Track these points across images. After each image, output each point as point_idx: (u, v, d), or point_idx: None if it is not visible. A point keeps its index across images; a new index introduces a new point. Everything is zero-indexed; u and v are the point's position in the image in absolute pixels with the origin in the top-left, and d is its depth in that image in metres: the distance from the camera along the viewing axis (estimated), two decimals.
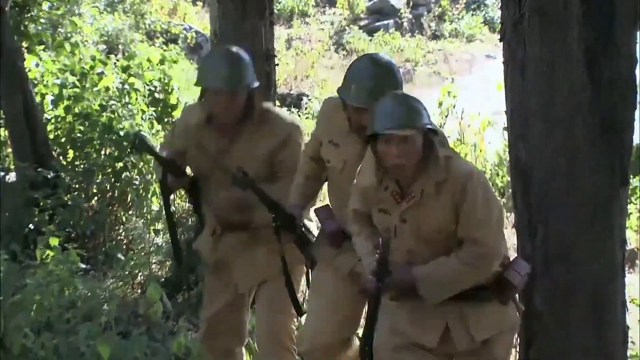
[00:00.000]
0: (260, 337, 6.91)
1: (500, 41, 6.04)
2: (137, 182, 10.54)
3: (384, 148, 5.21)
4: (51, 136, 10.92)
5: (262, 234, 6.62)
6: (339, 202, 6.17)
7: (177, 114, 11.75)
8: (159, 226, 10.05)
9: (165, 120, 11.66)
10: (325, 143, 6.26)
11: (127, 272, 9.22)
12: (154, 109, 11.55)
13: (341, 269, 6.26)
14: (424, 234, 5.35)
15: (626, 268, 6.11)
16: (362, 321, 6.16)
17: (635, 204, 10.99)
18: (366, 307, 5.72)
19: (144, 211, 10.23)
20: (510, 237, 6.58)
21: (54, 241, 8.29)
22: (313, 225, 6.77)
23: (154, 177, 10.51)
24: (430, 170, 5.27)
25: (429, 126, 5.24)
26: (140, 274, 9.16)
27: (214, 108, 6.43)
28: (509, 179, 7.96)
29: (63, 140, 10.99)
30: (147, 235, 9.47)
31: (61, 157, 10.90)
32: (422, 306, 5.46)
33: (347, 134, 6.06)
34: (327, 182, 6.49)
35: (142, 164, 10.57)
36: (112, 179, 10.61)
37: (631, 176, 6.71)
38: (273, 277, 6.67)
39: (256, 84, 6.47)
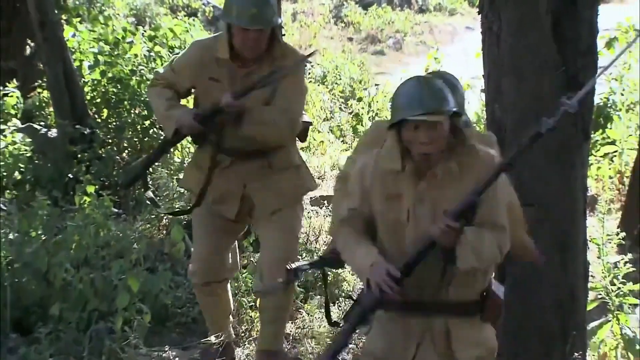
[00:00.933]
0: (271, 261, 6.32)
1: (478, 14, 6.03)
2: (162, 137, 10.51)
3: (410, 136, 4.37)
4: (88, 97, 10.90)
5: (275, 162, 6.38)
6: None
7: None
8: (181, 175, 10.04)
9: None
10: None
11: (153, 216, 9.21)
12: None
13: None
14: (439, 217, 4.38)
15: (587, 212, 6.08)
16: None
17: (595, 155, 10.97)
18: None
19: (168, 162, 10.21)
20: None
21: (91, 189, 8.27)
22: None
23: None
24: (455, 152, 4.47)
25: (454, 109, 4.43)
26: (165, 217, 9.13)
27: (242, 44, 6.03)
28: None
29: (98, 100, 11.00)
30: (171, 183, 9.43)
31: (96, 116, 10.89)
32: (398, 325, 4.70)
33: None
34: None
35: None
36: (141, 135, 10.60)
37: (592, 132, 6.66)
38: (289, 203, 6.47)
39: (280, 21, 6.19)
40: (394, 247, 4.54)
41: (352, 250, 4.61)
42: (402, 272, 4.40)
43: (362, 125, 13.40)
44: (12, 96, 11.00)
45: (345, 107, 14.89)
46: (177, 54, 10.90)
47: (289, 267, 5.23)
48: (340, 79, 16.56)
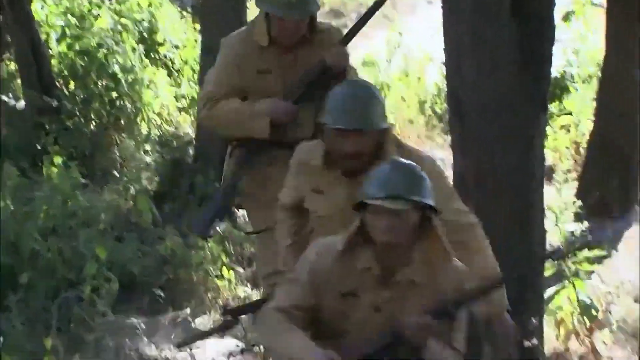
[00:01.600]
0: None
1: None
2: (129, 109, 10.50)
3: (371, 219, 3.79)
4: (55, 69, 10.83)
5: None
6: None
7: (163, 50, 11.72)
8: (148, 147, 10.04)
9: (152, 56, 11.58)
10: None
11: (120, 187, 9.20)
12: (143, 46, 11.46)
13: None
14: (393, 327, 3.88)
15: (545, 181, 6.14)
16: None
17: (552, 127, 11.04)
18: None
19: (135, 134, 10.20)
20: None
21: (58, 160, 8.28)
22: None
23: (143, 103, 10.55)
24: (422, 249, 3.90)
25: (428, 202, 3.81)
26: (132, 187, 9.12)
27: (280, 32, 5.46)
28: (446, 106, 7.98)
29: (65, 73, 10.91)
30: (137, 154, 9.44)
31: (64, 88, 10.82)
32: None
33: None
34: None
35: (133, 93, 10.55)
36: (108, 107, 10.55)
37: (549, 103, 6.70)
38: None
39: (318, 5, 5.54)
40: (328, 338, 3.92)
41: (287, 339, 3.85)
42: None
43: None
44: None
45: None
46: (144, 27, 10.95)
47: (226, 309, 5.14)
48: None
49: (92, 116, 10.51)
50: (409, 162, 3.96)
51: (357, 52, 14.97)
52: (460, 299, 3.91)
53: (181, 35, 12.26)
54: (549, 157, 10.39)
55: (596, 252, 6.66)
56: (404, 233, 3.78)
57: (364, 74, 12.22)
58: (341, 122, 4.20)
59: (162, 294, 7.56)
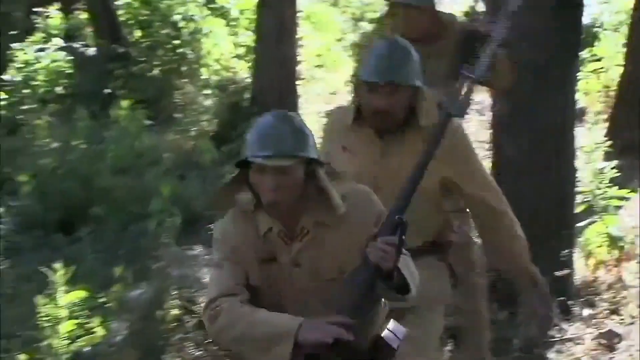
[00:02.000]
0: None
1: None
2: (190, 56, 10.53)
3: (256, 178, 3.31)
4: (122, 19, 10.88)
5: None
6: None
7: (221, 1, 11.68)
8: (207, 91, 10.06)
9: (212, 6, 11.54)
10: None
11: (182, 128, 9.25)
12: None
13: None
14: (321, 278, 3.41)
15: (577, 123, 6.10)
16: None
17: (584, 72, 10.93)
18: None
19: (196, 79, 10.23)
20: None
21: (125, 103, 8.31)
22: None
23: (203, 51, 10.56)
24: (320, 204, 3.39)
25: (314, 156, 3.34)
26: (193, 129, 9.17)
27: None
28: None
29: (132, 22, 10.96)
30: (198, 98, 9.47)
31: (130, 36, 10.88)
32: None
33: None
34: None
35: (194, 41, 10.58)
36: (171, 54, 10.57)
37: (581, 50, 6.64)
38: None
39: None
40: (272, 309, 3.42)
41: (258, 319, 3.33)
42: (353, 317, 3.34)
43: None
44: (54, 17, 10.99)
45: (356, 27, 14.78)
46: None
47: None
48: (351, 2, 16.40)
49: (157, 62, 10.56)
50: (290, 113, 3.46)
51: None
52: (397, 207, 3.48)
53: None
54: (581, 100, 10.31)
55: (624, 190, 6.64)
56: (290, 190, 3.31)
57: None
58: (372, 76, 3.85)
59: None
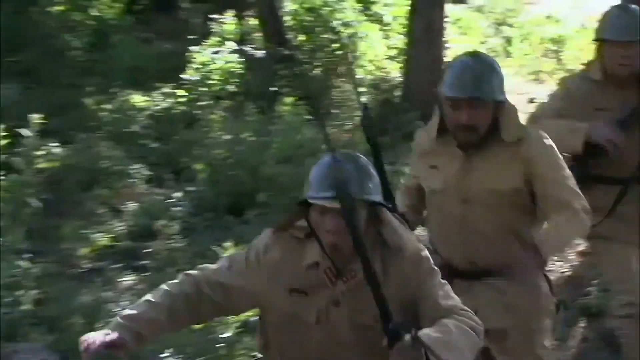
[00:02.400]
0: None
1: None
2: (347, 58, 10.60)
3: (317, 219, 3.01)
4: (288, 24, 11.04)
5: None
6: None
7: (376, 8, 11.73)
8: (362, 89, 10.14)
9: (367, 13, 11.61)
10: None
11: (339, 122, 9.33)
12: (360, 4, 11.53)
13: None
14: (359, 323, 3.06)
15: None
16: None
17: None
18: None
19: (352, 79, 10.32)
20: None
21: (289, 100, 8.44)
22: None
23: (359, 53, 10.65)
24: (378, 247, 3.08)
25: (375, 199, 3.04)
26: (348, 123, 9.25)
27: (615, 63, 4.39)
28: None
29: (296, 27, 11.10)
30: (353, 95, 9.57)
31: (295, 40, 11.02)
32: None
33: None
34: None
35: (351, 44, 10.65)
36: (330, 56, 10.69)
37: None
38: None
39: None
40: (293, 350, 3.17)
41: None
42: None
43: (511, 46, 13.00)
44: (229, 24, 11.22)
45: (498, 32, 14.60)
46: None
47: None
48: (494, 8, 16.19)
49: (317, 64, 10.73)
50: (355, 154, 3.15)
51: (539, 9, 14.67)
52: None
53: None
54: None
55: None
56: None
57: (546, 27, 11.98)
58: (455, 91, 3.55)
59: None
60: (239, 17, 11.60)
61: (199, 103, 9.46)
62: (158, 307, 3.10)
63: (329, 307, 3.07)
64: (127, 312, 3.10)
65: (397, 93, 9.97)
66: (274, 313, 3.16)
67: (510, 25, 14.16)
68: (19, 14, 11.17)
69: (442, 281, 3.13)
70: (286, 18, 11.16)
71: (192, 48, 10.35)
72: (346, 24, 10.74)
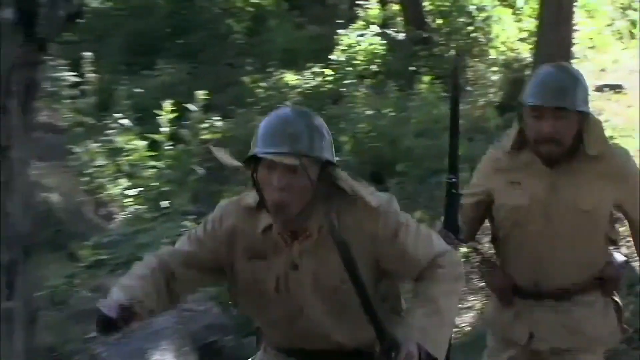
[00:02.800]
0: None
1: None
2: (481, 40, 10.57)
3: (264, 176, 2.59)
4: (427, 9, 11.04)
5: None
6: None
7: None
8: (494, 69, 10.07)
9: None
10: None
11: (472, 99, 9.31)
12: None
13: (516, 338, 3.32)
14: (323, 285, 2.67)
15: None
16: None
17: None
18: None
19: (485, 59, 10.28)
20: None
21: (426, 78, 8.49)
22: None
23: (492, 35, 10.57)
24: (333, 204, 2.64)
25: (329, 158, 2.63)
26: (481, 100, 9.19)
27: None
28: None
29: (435, 12, 11.10)
30: (486, 74, 9.54)
31: (432, 23, 11.02)
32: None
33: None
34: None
35: (485, 27, 10.60)
36: (465, 38, 10.67)
37: None
38: None
39: None
40: (261, 316, 2.83)
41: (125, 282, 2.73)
42: None
43: (635, 28, 12.63)
44: (373, 9, 11.27)
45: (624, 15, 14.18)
46: None
47: None
48: None
49: (453, 45, 10.70)
50: (308, 111, 2.80)
51: None
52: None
53: None
54: None
55: None
56: (298, 192, 2.56)
57: None
58: (539, 100, 3.12)
59: None
60: (383, 3, 11.67)
61: (344, 81, 9.56)
62: (147, 288, 2.67)
63: (287, 272, 2.67)
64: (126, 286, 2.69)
65: (528, 72, 9.85)
66: (238, 281, 2.75)
67: (635, 9, 13.74)
68: (185, 1, 11.54)
69: (415, 227, 2.69)
70: (425, 3, 11.16)
71: (339, 31, 10.47)
72: (480, 8, 10.68)
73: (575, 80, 3.19)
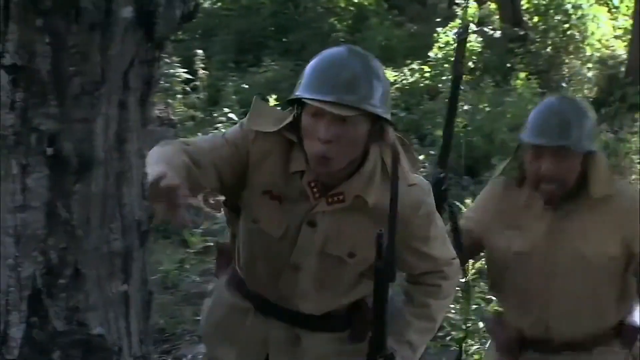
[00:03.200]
0: None
1: None
2: (577, 37, 10.39)
3: (309, 123, 2.19)
4: (524, 7, 10.91)
5: None
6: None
7: None
8: (589, 65, 9.89)
9: None
10: None
11: (568, 94, 9.15)
12: None
13: None
14: (328, 253, 2.36)
15: None
16: None
17: None
18: None
19: (580, 55, 10.09)
20: None
21: (522, 75, 8.38)
22: None
23: (588, 33, 10.36)
24: (374, 176, 2.32)
25: (380, 111, 2.21)
26: (577, 96, 9.03)
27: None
28: None
29: (531, 10, 10.96)
30: (581, 70, 9.37)
31: (529, 21, 10.87)
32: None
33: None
34: None
35: (581, 25, 10.40)
36: (561, 35, 10.48)
37: None
38: None
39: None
40: (250, 263, 2.45)
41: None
42: None
43: None
44: (471, 7, 11.20)
45: None
46: None
47: None
48: None
49: (549, 42, 10.50)
50: (365, 53, 2.33)
51: None
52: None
53: None
54: None
55: None
56: (345, 146, 2.20)
57: None
58: (538, 138, 2.63)
59: None
60: (480, 2, 11.55)
61: (441, 77, 9.51)
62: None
63: (303, 226, 2.33)
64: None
65: (622, 69, 9.64)
66: (244, 206, 2.39)
67: None
68: (290, 0, 11.63)
69: (442, 225, 2.47)
70: (522, 2, 11.01)
71: (437, 29, 10.42)
72: (577, 7, 10.48)
73: (580, 115, 2.69)
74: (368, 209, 2.29)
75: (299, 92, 2.20)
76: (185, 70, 8.70)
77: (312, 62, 2.26)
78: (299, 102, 2.22)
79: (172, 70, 8.14)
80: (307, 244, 2.33)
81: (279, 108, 2.25)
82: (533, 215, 2.74)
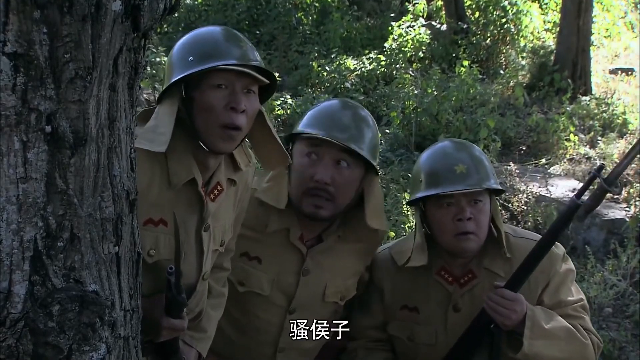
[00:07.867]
0: None
1: None
2: (512, 30, 10.39)
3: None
4: (466, 3, 10.87)
5: None
6: None
7: None
8: (523, 55, 9.93)
9: None
10: None
11: (504, 80, 9.20)
12: None
13: None
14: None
15: None
16: None
17: None
18: None
19: (515, 46, 10.12)
20: None
21: (465, 63, 8.36)
22: None
23: (522, 26, 10.38)
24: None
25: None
26: (512, 81, 9.11)
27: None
28: None
29: (473, 6, 10.92)
30: (516, 59, 9.37)
31: (471, 16, 10.85)
32: None
33: None
34: None
35: (516, 19, 10.41)
36: (499, 28, 10.46)
37: None
38: None
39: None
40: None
41: None
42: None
43: None
44: (420, 4, 11.14)
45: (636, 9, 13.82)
46: None
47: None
48: None
49: (488, 35, 10.50)
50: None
51: None
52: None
53: None
54: None
55: None
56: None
57: None
58: (318, 129, 2.19)
59: (528, 150, 7.60)
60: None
61: (395, 65, 9.49)
62: None
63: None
64: None
65: (551, 57, 9.69)
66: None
67: None
68: None
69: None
70: None
71: (392, 23, 10.38)
72: (512, 4, 10.49)
73: (362, 120, 2.29)
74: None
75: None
76: None
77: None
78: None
79: (157, 59, 8.04)
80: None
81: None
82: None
